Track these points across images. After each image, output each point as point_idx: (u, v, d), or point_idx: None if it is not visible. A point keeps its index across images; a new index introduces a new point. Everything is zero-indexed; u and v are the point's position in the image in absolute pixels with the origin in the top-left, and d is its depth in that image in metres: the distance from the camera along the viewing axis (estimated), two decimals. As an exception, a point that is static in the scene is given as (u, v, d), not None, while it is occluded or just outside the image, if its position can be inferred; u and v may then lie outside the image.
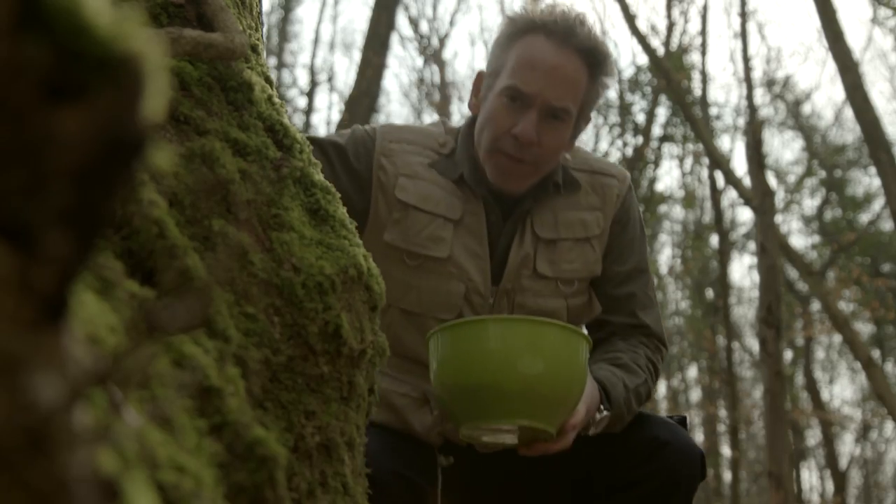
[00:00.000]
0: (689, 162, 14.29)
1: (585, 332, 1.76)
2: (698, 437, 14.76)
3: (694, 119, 10.47)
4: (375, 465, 1.46)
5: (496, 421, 1.47)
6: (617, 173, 1.88)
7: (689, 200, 14.67)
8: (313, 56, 16.10)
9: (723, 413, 14.27)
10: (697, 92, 12.31)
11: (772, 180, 13.39)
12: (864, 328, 15.05)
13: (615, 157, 13.20)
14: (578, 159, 1.86)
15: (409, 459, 1.65)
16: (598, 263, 1.81)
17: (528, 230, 1.77)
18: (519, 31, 1.74)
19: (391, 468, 1.56)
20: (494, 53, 1.78)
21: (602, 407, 1.62)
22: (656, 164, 13.26)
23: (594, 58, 1.72)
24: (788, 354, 15.19)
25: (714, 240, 14.23)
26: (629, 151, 12.82)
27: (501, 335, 1.48)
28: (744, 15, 11.26)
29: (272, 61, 13.31)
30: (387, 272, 1.65)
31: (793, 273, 14.07)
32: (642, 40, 10.78)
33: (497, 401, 1.45)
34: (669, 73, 10.50)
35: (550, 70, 1.69)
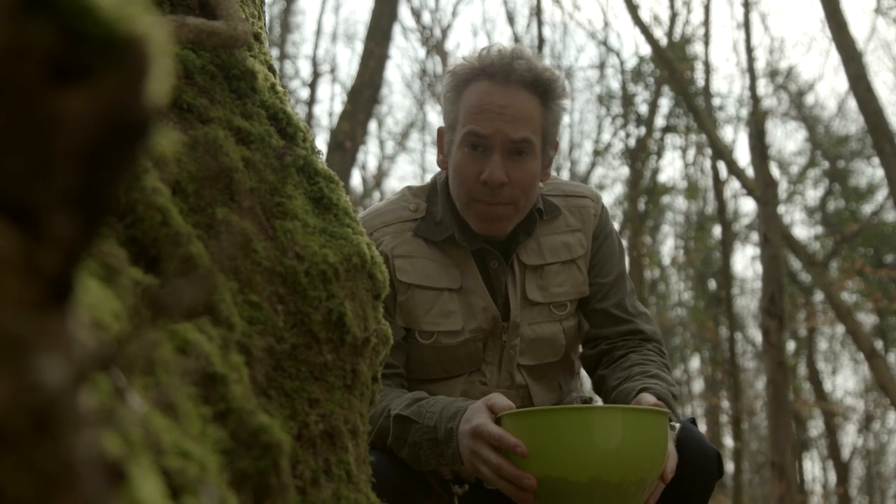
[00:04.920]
0: (691, 153, 14.25)
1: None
2: (701, 427, 14.75)
3: (697, 110, 10.45)
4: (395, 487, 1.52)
5: None
6: (590, 194, 1.94)
7: (692, 191, 14.64)
8: (315, 47, 16.00)
9: (725, 404, 14.28)
10: (700, 82, 12.28)
11: (775, 171, 13.38)
12: (867, 319, 15.03)
13: (618, 148, 13.19)
14: (550, 185, 1.91)
15: (426, 484, 1.74)
16: (586, 284, 1.87)
17: (515, 262, 1.83)
18: (462, 81, 1.78)
19: (411, 489, 1.65)
20: (446, 108, 1.82)
21: (672, 425, 1.62)
22: (659, 154, 13.23)
23: (540, 86, 1.75)
24: (791, 345, 15.18)
25: (717, 230, 14.21)
26: (632, 142, 12.80)
27: (578, 425, 1.42)
28: (747, 5, 11.22)
29: (274, 52, 13.28)
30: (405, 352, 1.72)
31: (796, 264, 14.05)
32: (645, 31, 10.75)
33: (579, 493, 1.42)
34: (672, 63, 10.47)
35: (500, 110, 1.72)
